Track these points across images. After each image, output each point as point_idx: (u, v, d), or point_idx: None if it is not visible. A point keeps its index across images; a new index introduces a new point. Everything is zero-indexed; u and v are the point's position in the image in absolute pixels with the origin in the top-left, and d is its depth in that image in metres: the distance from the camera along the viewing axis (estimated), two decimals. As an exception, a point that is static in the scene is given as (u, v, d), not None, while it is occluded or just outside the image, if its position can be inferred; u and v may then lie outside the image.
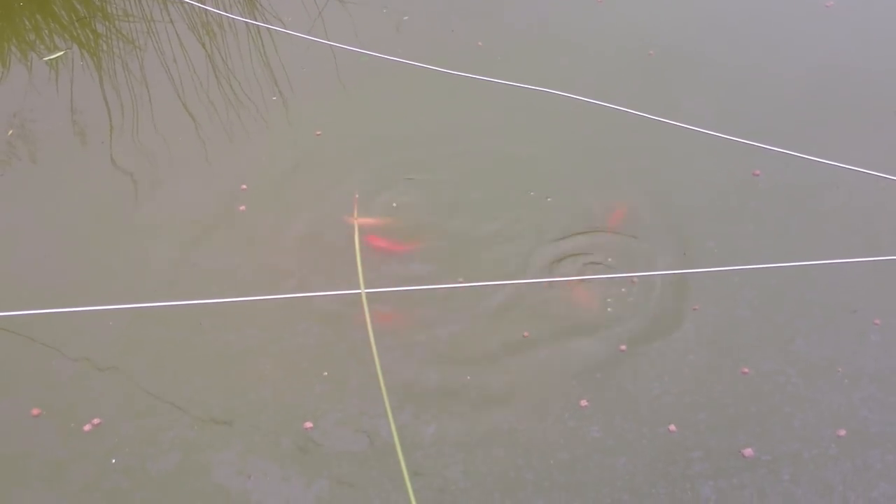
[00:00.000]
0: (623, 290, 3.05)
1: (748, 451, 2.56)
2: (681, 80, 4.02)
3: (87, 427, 2.68)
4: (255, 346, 2.91)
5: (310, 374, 2.82)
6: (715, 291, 3.03)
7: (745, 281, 3.05)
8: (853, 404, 2.68)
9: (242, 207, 3.41)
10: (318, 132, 3.81)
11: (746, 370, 2.78)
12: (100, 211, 3.45)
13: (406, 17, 4.52)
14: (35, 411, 2.72)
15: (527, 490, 2.50)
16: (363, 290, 1.83)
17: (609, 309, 3.00)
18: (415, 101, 3.96)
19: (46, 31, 4.58)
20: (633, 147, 3.64)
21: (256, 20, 4.59)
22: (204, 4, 4.60)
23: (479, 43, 4.30)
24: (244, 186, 3.50)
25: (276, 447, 2.62)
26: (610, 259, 3.18)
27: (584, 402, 2.69)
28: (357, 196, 3.40)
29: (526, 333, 2.91)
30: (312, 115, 3.90)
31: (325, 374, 2.82)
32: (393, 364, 2.83)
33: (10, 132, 3.87)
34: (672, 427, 2.63)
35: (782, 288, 3.04)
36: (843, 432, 2.60)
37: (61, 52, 4.37)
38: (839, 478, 2.50)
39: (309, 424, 2.67)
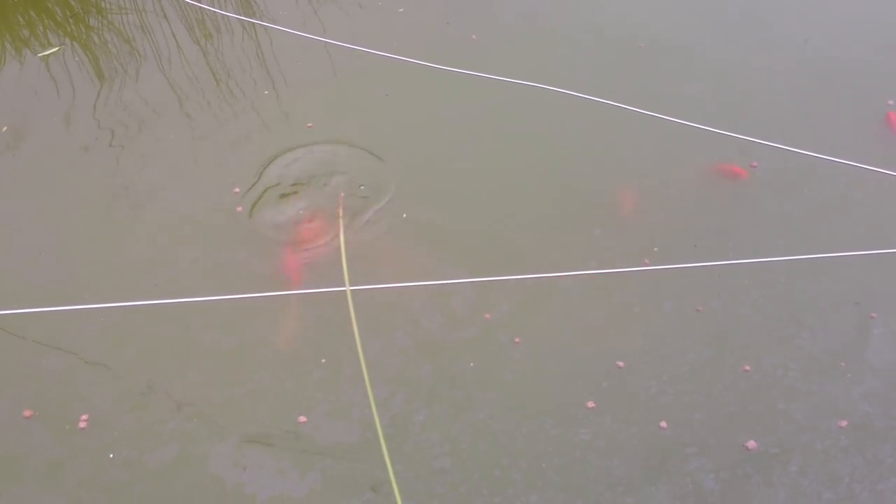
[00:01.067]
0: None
1: (751, 444, 2.58)
2: (673, 73, 4.02)
3: (82, 424, 2.71)
4: (247, 341, 2.94)
5: (305, 369, 2.85)
6: (717, 286, 3.04)
7: (749, 275, 3.06)
8: (854, 398, 2.69)
9: (239, 209, 3.42)
10: (310, 124, 3.83)
11: (748, 367, 2.80)
12: (95, 208, 3.47)
13: (401, 10, 4.52)
14: (27, 413, 2.74)
15: (517, 487, 2.53)
16: (348, 288, 1.85)
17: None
18: (410, 96, 3.96)
19: (40, 28, 4.59)
20: (627, 141, 3.65)
21: (251, 16, 4.58)
22: (199, 2, 4.59)
23: (473, 36, 4.30)
24: (237, 189, 3.51)
25: (270, 439, 2.66)
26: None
27: (591, 404, 2.71)
28: (342, 194, 3.41)
29: (517, 340, 2.91)
30: (305, 109, 3.91)
31: (323, 360, 2.85)
32: (381, 357, 2.86)
33: (4, 129, 3.88)
34: (663, 423, 2.65)
35: (782, 282, 3.05)
36: (844, 423, 2.62)
37: (56, 49, 4.38)
38: (847, 470, 2.52)
39: (303, 418, 2.70)
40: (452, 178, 3.53)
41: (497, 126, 3.79)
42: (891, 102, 3.79)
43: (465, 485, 2.53)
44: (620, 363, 2.80)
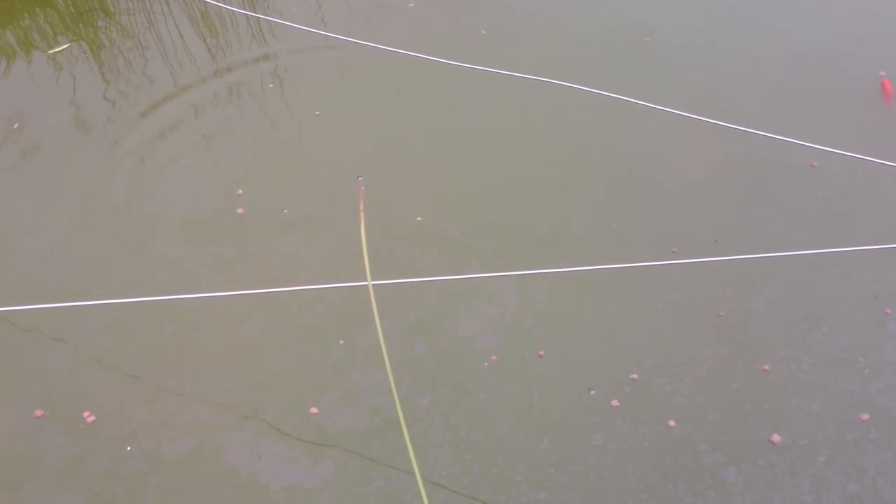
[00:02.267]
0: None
1: (776, 438, 2.57)
2: (679, 68, 4.01)
3: (92, 419, 2.70)
4: (261, 337, 2.93)
5: (316, 364, 2.85)
6: (734, 281, 3.03)
7: (764, 270, 3.04)
8: (871, 393, 2.67)
9: (240, 210, 3.41)
10: (318, 112, 3.84)
11: (767, 367, 2.77)
12: (104, 205, 3.47)
13: (411, 5, 4.51)
14: (38, 412, 2.73)
15: (519, 488, 2.52)
16: (370, 283, 1.84)
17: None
18: (414, 92, 3.96)
19: (49, 26, 4.59)
20: (634, 136, 3.64)
21: (256, 10, 4.58)
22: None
23: (483, 31, 4.29)
24: (239, 192, 3.49)
25: (285, 429, 2.66)
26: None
27: (615, 403, 2.69)
28: (363, 188, 3.40)
29: (542, 353, 2.87)
30: (313, 106, 3.91)
31: (340, 343, 2.86)
32: (399, 357, 2.86)
33: (16, 126, 3.88)
34: (671, 423, 2.63)
35: (800, 277, 3.03)
36: (865, 416, 2.61)
37: (65, 46, 4.38)
38: (874, 463, 2.50)
39: (315, 410, 2.70)
40: (460, 176, 3.52)
41: (507, 121, 3.78)
42: (882, 73, 3.80)
43: (468, 478, 2.53)
44: (634, 375, 2.78)
